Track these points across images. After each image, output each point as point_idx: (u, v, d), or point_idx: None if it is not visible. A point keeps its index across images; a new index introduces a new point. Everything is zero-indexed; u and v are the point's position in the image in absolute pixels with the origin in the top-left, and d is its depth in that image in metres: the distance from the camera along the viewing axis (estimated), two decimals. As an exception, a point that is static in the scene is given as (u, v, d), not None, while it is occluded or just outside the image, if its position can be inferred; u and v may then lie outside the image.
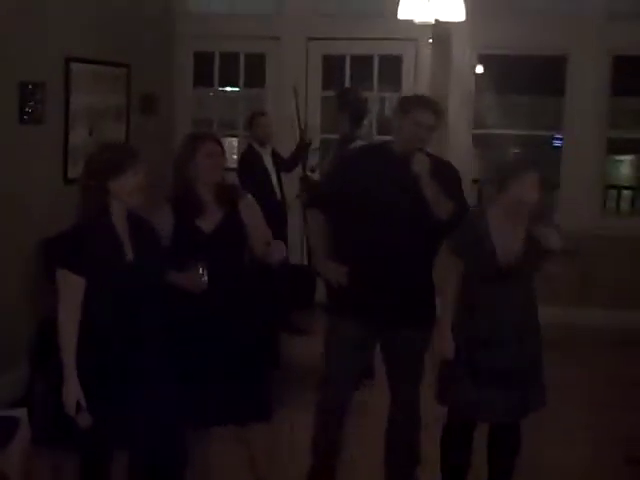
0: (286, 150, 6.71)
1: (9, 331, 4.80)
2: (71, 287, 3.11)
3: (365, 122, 6.31)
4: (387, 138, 7.18)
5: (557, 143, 7.94)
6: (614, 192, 10.80)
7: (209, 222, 3.60)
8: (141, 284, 3.20)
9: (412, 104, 3.79)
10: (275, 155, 6.65)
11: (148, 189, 3.22)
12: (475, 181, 7.37)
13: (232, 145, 9.01)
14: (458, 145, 7.03)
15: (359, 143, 5.12)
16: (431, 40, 7.05)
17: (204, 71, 7.70)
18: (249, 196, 3.75)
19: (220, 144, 3.69)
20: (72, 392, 3.04)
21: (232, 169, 6.94)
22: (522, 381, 3.51)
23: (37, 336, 4.40)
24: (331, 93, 6.46)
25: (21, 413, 3.41)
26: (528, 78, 9.48)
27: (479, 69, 7.61)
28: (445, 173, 3.77)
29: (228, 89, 8.36)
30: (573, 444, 4.67)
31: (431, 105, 3.79)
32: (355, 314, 3.77)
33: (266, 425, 3.79)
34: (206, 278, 3.46)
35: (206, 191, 3.62)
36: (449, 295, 3.56)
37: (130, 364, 3.17)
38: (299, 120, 6.56)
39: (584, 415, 5.09)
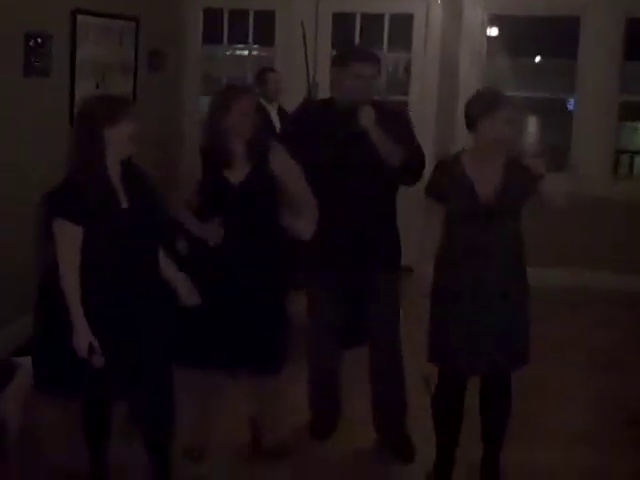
0: (292, 107, 6.64)
1: (16, 281, 4.81)
2: (69, 236, 3.11)
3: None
4: (399, 98, 7.29)
5: (571, 106, 7.85)
6: (627, 157, 10.72)
7: (237, 174, 3.60)
8: (136, 231, 3.20)
9: (350, 57, 3.79)
10: (281, 111, 6.59)
11: (141, 138, 3.22)
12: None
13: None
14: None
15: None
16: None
17: (213, 28, 7.63)
18: (280, 146, 3.70)
19: (254, 99, 3.66)
20: (83, 335, 3.07)
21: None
22: (507, 334, 3.47)
23: (40, 285, 4.40)
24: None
25: (24, 361, 3.42)
26: (541, 40, 9.39)
27: (491, 32, 7.53)
28: (395, 120, 3.83)
29: (237, 47, 8.30)
30: (573, 404, 4.68)
31: (369, 56, 3.81)
32: (326, 268, 3.86)
33: (274, 379, 3.83)
34: (221, 231, 3.51)
35: (237, 144, 3.60)
36: (431, 244, 3.51)
37: (129, 311, 3.18)
38: (308, 72, 6.40)
39: (584, 375, 5.09)
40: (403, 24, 7.28)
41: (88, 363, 3.11)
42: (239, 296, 3.61)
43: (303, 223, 3.61)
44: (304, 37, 6.37)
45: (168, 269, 3.41)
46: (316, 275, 3.99)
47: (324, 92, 6.88)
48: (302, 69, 6.50)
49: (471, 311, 3.44)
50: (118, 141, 3.15)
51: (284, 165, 3.66)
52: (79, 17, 5.45)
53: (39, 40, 5.01)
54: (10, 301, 4.82)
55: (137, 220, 3.20)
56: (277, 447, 3.95)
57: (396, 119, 3.90)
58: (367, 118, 3.66)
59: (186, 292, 3.43)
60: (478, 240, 3.41)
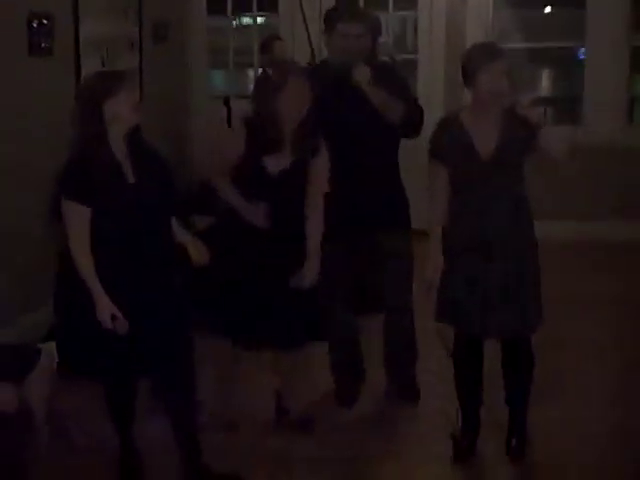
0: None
1: (37, 269, 4.82)
2: (77, 216, 3.12)
3: (382, 40, 6.20)
4: (407, 57, 7.21)
5: (582, 56, 7.73)
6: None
7: (277, 164, 3.57)
8: (145, 205, 3.19)
9: (336, 18, 3.80)
10: None
11: (142, 108, 3.23)
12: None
13: (249, 75, 8.90)
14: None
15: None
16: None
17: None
18: (325, 152, 3.65)
19: (308, 83, 3.55)
20: (105, 308, 3.09)
21: (247, 97, 6.87)
22: (518, 296, 3.42)
23: (58, 268, 4.42)
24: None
25: (48, 346, 3.44)
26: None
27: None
28: (389, 77, 3.86)
29: (243, 18, 8.22)
30: (602, 366, 4.61)
31: (355, 15, 3.83)
32: (337, 233, 3.82)
33: (298, 352, 3.84)
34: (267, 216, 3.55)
35: (285, 130, 3.54)
36: (436, 208, 3.47)
37: (142, 287, 3.19)
38: (309, 38, 6.32)
39: (613, 336, 5.01)
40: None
41: (109, 343, 3.13)
42: (267, 274, 3.62)
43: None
44: (302, 6, 6.31)
45: (179, 232, 3.39)
46: (329, 242, 3.91)
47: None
48: (305, 34, 6.46)
49: (477, 270, 3.40)
50: (118, 113, 3.13)
51: (322, 172, 3.65)
52: (81, -7, 5.40)
53: (42, 19, 4.97)
54: (34, 288, 4.83)
55: (145, 195, 3.18)
56: (303, 417, 3.95)
57: (390, 75, 3.93)
58: (362, 76, 3.68)
59: (196, 253, 3.39)
60: (481, 197, 3.38)
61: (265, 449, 3.79)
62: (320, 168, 3.63)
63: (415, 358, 4.19)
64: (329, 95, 3.73)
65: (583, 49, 7.34)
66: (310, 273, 3.60)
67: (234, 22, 7.73)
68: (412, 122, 3.85)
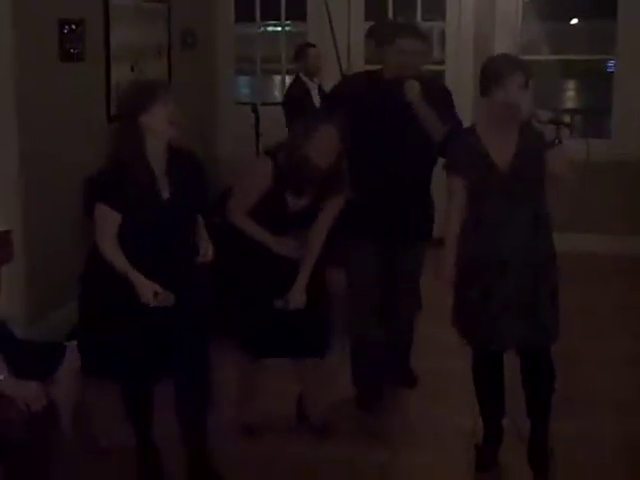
0: (328, 81, 6.59)
1: (61, 268, 4.87)
2: (108, 220, 3.16)
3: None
4: (435, 68, 7.21)
5: (611, 68, 7.71)
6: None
7: (298, 202, 3.63)
8: (176, 222, 3.22)
9: (395, 33, 3.86)
10: (322, 92, 6.50)
11: (180, 121, 3.20)
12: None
13: (275, 82, 8.95)
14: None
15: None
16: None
17: (245, 5, 7.60)
18: (341, 200, 3.69)
19: (337, 135, 3.55)
20: (145, 287, 3.13)
21: (277, 104, 6.89)
22: (534, 307, 3.37)
23: (84, 270, 4.46)
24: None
25: (72, 344, 3.47)
26: (577, 1, 9.23)
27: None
28: (437, 95, 3.93)
29: (270, 23, 8.26)
30: (623, 374, 4.59)
31: (414, 31, 3.88)
32: (368, 233, 3.97)
33: (319, 361, 3.86)
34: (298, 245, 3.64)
35: (313, 175, 3.57)
36: (452, 218, 3.43)
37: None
38: (336, 47, 6.29)
39: (628, 346, 4.97)
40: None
41: (132, 342, 3.19)
42: (287, 284, 3.66)
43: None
44: (329, 14, 6.33)
45: (200, 234, 3.41)
46: (357, 243, 4.03)
47: (358, 63, 6.90)
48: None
49: (495, 283, 3.36)
50: (153, 127, 3.15)
51: (336, 208, 3.69)
52: (111, 1, 5.46)
53: (73, 26, 5.03)
54: (61, 286, 4.87)
55: (177, 210, 3.21)
56: (320, 422, 3.96)
57: (439, 94, 3.99)
58: (413, 92, 3.76)
59: (203, 250, 3.37)
60: (499, 209, 3.34)
61: (285, 455, 3.80)
62: (335, 205, 3.69)
63: (410, 343, 4.34)
64: (377, 105, 3.84)
65: (612, 62, 7.29)
66: (296, 296, 3.65)
67: (261, 29, 7.75)
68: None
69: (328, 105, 4.29)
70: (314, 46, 6.60)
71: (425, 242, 4.14)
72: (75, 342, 3.56)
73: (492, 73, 3.31)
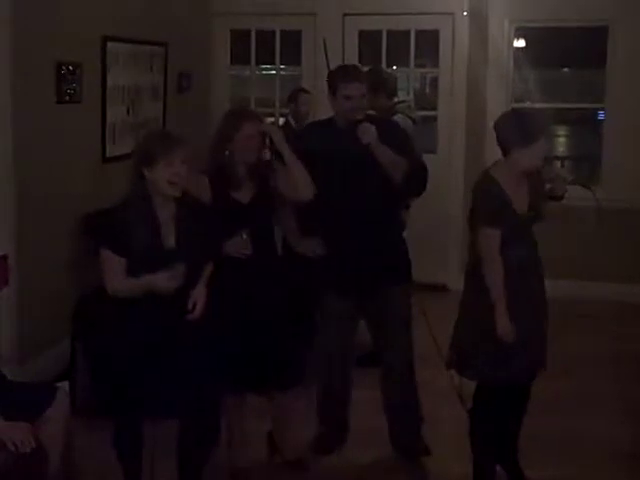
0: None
1: (52, 307, 4.88)
2: (114, 265, 3.21)
3: (406, 97, 6.30)
4: (427, 113, 7.28)
5: (602, 116, 7.80)
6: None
7: (244, 195, 3.65)
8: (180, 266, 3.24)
9: (337, 80, 3.83)
10: None
11: (187, 178, 3.26)
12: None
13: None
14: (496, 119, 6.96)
15: (400, 117, 5.07)
16: (467, 13, 6.98)
17: (241, 49, 7.70)
18: (282, 168, 3.71)
19: (260, 122, 3.68)
20: (161, 281, 3.18)
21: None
22: (540, 342, 3.58)
23: (78, 310, 4.47)
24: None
25: (63, 385, 3.47)
26: (569, 50, 9.36)
27: (518, 43, 7.51)
28: (392, 133, 3.86)
29: (265, 67, 8.35)
30: (614, 419, 4.59)
31: (354, 74, 3.85)
32: (336, 285, 3.91)
33: (290, 395, 3.84)
34: (249, 244, 3.58)
35: (242, 168, 3.64)
36: (497, 274, 3.43)
37: (169, 340, 3.26)
38: None
39: (621, 388, 5.00)
40: (429, 39, 7.30)
41: (127, 384, 3.23)
42: (255, 316, 3.64)
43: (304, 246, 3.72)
44: (326, 55, 6.38)
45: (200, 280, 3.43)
46: (327, 292, 3.99)
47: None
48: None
49: (524, 325, 3.45)
50: (157, 182, 3.21)
51: (283, 188, 3.69)
52: (109, 44, 5.52)
53: (70, 68, 5.09)
54: (53, 326, 4.88)
55: (181, 258, 3.24)
56: (298, 457, 3.94)
57: (394, 132, 3.94)
58: (367, 134, 3.70)
59: (191, 305, 3.37)
60: (522, 255, 3.48)
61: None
62: (280, 186, 3.69)
63: (420, 421, 4.09)
64: (334, 150, 3.79)
65: (602, 110, 7.38)
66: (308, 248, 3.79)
67: (256, 72, 7.84)
68: (416, 180, 3.96)
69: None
70: (307, 91, 6.70)
71: (404, 286, 3.98)
72: (66, 383, 3.57)
73: (515, 137, 3.41)
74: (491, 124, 3.53)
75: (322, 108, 6.71)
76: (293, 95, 6.66)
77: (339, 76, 3.85)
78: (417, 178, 3.96)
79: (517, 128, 3.43)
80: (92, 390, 3.35)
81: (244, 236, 3.58)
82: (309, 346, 4.01)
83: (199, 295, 3.37)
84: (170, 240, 3.26)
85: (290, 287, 3.78)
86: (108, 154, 5.55)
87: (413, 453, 4.03)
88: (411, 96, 7.07)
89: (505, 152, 3.48)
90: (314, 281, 4.02)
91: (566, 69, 10.72)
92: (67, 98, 5.09)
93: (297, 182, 3.65)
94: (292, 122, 6.59)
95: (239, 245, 3.59)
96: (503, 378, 3.52)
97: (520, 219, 3.48)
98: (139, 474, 3.54)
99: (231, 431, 3.89)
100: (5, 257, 3.48)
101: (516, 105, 7.33)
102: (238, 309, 3.62)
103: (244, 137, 3.57)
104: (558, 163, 11.60)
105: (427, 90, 10.68)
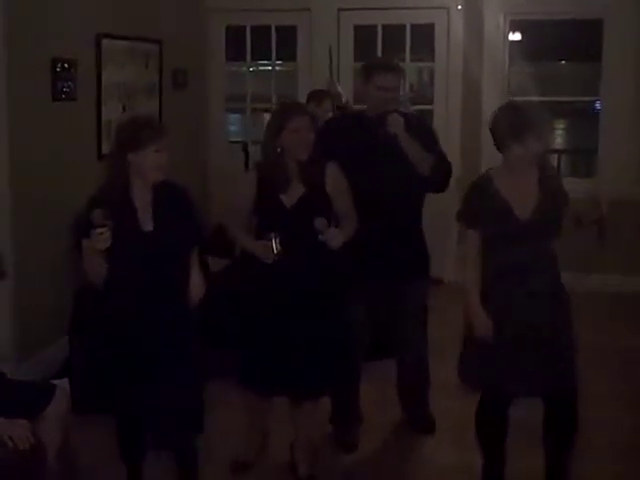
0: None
1: (50, 305, 4.88)
2: (87, 251, 3.19)
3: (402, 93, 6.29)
4: (424, 107, 7.29)
5: (598, 109, 7.81)
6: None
7: (291, 197, 3.58)
8: (162, 255, 3.22)
9: (372, 70, 3.87)
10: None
11: (168, 168, 3.23)
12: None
13: (265, 120, 8.99)
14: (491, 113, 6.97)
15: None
16: (462, 7, 6.98)
17: (236, 45, 7.69)
18: (335, 168, 3.66)
19: (309, 117, 3.60)
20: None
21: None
22: (550, 355, 3.33)
23: (74, 306, 4.48)
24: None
25: (62, 383, 3.48)
26: (564, 43, 9.36)
27: (514, 36, 7.52)
28: (420, 129, 3.92)
29: (260, 63, 8.34)
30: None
31: (391, 67, 3.90)
32: (356, 278, 3.86)
33: (314, 404, 3.83)
34: (280, 249, 3.48)
35: (292, 165, 3.58)
36: (470, 271, 3.36)
37: (153, 328, 3.24)
38: (337, 90, 6.35)
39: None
40: (424, 34, 7.30)
41: (123, 379, 3.21)
42: (284, 320, 3.59)
43: (328, 236, 3.52)
44: (331, 61, 6.45)
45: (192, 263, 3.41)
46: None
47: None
48: (324, 82, 6.57)
49: (519, 333, 3.31)
50: (140, 168, 3.19)
51: (337, 186, 3.64)
52: (104, 41, 5.52)
53: (66, 65, 5.08)
54: (51, 323, 4.88)
55: (162, 243, 3.22)
56: (309, 475, 3.88)
57: (423, 128, 3.99)
58: (396, 125, 3.76)
59: (194, 289, 3.38)
60: (519, 258, 3.30)
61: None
62: (337, 185, 3.63)
63: (428, 389, 4.32)
64: (362, 142, 3.85)
65: (598, 102, 7.39)
66: (335, 234, 3.52)
67: (252, 68, 7.83)
68: (440, 175, 3.92)
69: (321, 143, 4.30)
70: (330, 96, 6.65)
71: (422, 279, 4.09)
72: (65, 380, 3.57)
73: (508, 131, 3.25)
74: (487, 118, 3.48)
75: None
76: (315, 97, 6.59)
77: (375, 66, 3.91)
78: (442, 175, 3.93)
79: (507, 121, 3.27)
80: (90, 388, 3.33)
81: (273, 241, 3.47)
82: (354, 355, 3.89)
83: (197, 283, 3.37)
84: (148, 225, 3.23)
85: (332, 297, 3.68)
86: (104, 151, 5.54)
87: (424, 425, 4.28)
88: (407, 90, 7.07)
89: (499, 148, 3.33)
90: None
91: (562, 62, 10.71)
92: (62, 96, 5.09)
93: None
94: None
95: (261, 249, 3.52)
96: (484, 386, 3.45)
97: (517, 223, 3.30)
98: (141, 472, 3.55)
99: (249, 428, 3.93)
100: None
101: (511, 99, 7.34)
102: (267, 311, 3.59)
103: (291, 132, 3.52)
104: (555, 156, 11.61)
105: (423, 85, 10.68)
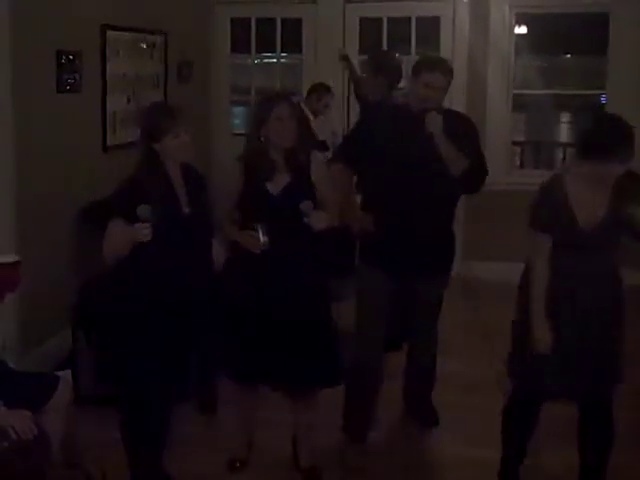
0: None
1: (54, 296, 4.89)
2: (118, 234, 3.29)
3: (402, 85, 6.28)
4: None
5: (604, 102, 7.80)
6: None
7: (277, 185, 3.60)
8: (195, 237, 3.38)
9: (422, 67, 3.91)
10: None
11: (193, 146, 3.40)
12: (515, 143, 7.30)
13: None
14: (497, 106, 6.98)
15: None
16: (468, 0, 6.97)
17: (241, 37, 7.69)
18: (319, 157, 3.72)
19: (293, 106, 3.65)
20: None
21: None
22: (601, 361, 3.32)
23: (79, 299, 4.49)
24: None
25: (65, 374, 3.49)
26: (570, 36, 9.33)
27: (520, 29, 7.50)
28: (461, 129, 3.93)
29: (265, 55, 8.34)
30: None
31: (440, 67, 3.92)
32: (384, 264, 3.99)
33: (315, 395, 3.81)
34: (266, 239, 3.50)
35: (277, 154, 3.60)
36: (539, 279, 3.28)
37: (181, 312, 3.35)
38: (358, 90, 6.32)
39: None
40: (430, 26, 7.29)
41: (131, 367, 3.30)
42: (284, 310, 3.58)
43: (312, 219, 3.52)
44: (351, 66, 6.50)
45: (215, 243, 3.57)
46: (372, 274, 4.04)
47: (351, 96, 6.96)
48: (329, 75, 6.58)
49: (568, 339, 3.28)
50: (168, 153, 3.34)
51: (322, 175, 3.67)
52: (109, 33, 5.52)
53: (70, 57, 5.08)
54: (55, 314, 4.89)
55: (197, 225, 3.39)
56: (311, 466, 3.87)
57: (463, 128, 4.00)
58: (434, 124, 3.79)
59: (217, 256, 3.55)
60: (577, 269, 3.27)
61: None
62: (321, 175, 3.65)
63: (432, 381, 4.37)
64: (400, 136, 3.89)
65: (605, 96, 7.37)
66: (318, 217, 3.54)
67: (256, 60, 7.83)
68: (473, 178, 3.96)
69: (354, 134, 4.29)
70: (330, 90, 6.67)
71: (445, 276, 4.15)
72: (68, 372, 3.59)
73: (601, 143, 3.14)
74: (491, 110, 3.51)
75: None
76: (316, 90, 6.64)
77: (424, 64, 3.94)
78: (473, 178, 3.97)
79: (602, 132, 3.17)
80: (96, 381, 3.38)
81: (259, 231, 3.51)
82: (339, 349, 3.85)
83: (218, 251, 3.55)
84: (186, 207, 3.39)
85: (319, 285, 3.70)
86: (109, 143, 5.56)
87: (427, 417, 4.34)
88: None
89: (582, 155, 3.21)
90: (365, 256, 4.12)
91: (568, 55, 10.68)
92: (67, 87, 5.09)
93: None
94: (308, 114, 6.58)
95: (248, 240, 3.54)
96: (523, 388, 3.44)
97: (580, 234, 3.23)
98: (161, 457, 3.61)
99: (240, 419, 3.92)
100: (17, 263, 3.48)
101: (518, 92, 7.34)
102: (253, 299, 3.59)
103: (275, 120, 3.53)
104: (561, 149, 11.59)
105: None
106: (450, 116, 3.91)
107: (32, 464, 2.98)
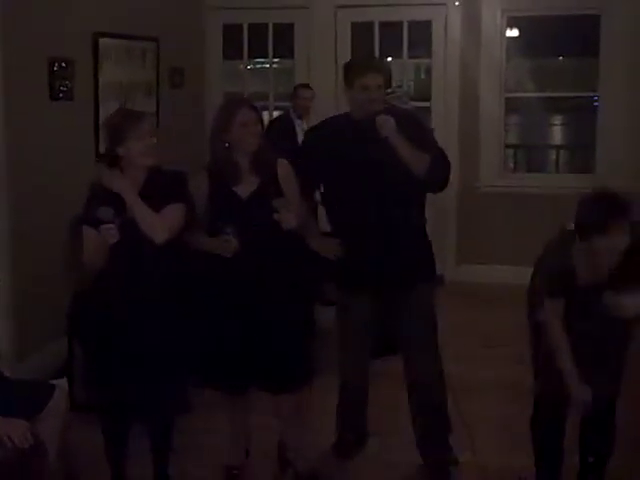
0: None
1: (49, 304, 4.88)
2: (92, 240, 3.33)
3: (396, 88, 6.29)
4: (423, 104, 7.28)
5: (597, 104, 7.82)
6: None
7: (246, 189, 3.55)
8: (142, 240, 3.29)
9: (352, 70, 3.68)
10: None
11: (156, 148, 3.37)
12: (508, 146, 7.31)
13: (263, 118, 9.00)
14: (489, 109, 7.00)
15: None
16: (459, 3, 6.99)
17: (233, 43, 7.70)
18: (285, 162, 3.63)
19: (255, 110, 3.59)
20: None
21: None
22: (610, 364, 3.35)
23: (73, 307, 4.48)
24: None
25: (60, 382, 3.49)
26: (562, 39, 9.36)
27: (511, 32, 7.52)
28: (412, 125, 3.69)
29: (258, 61, 8.35)
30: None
31: (372, 65, 3.72)
32: (358, 283, 3.79)
33: (293, 398, 3.77)
34: (235, 241, 3.43)
35: (242, 159, 3.55)
36: (561, 341, 3.25)
37: (133, 328, 3.33)
38: None
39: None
40: (422, 30, 7.30)
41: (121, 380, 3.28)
42: (254, 312, 3.55)
43: (282, 217, 3.46)
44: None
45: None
46: (348, 289, 3.89)
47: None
48: (322, 79, 6.58)
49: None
50: (132, 156, 3.33)
51: (289, 182, 3.60)
52: (101, 40, 5.52)
53: (63, 64, 5.08)
54: (50, 322, 4.89)
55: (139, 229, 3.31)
56: (310, 472, 3.84)
57: (414, 124, 3.78)
58: (386, 126, 3.52)
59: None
60: (583, 329, 3.27)
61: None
62: (288, 181, 3.59)
63: (447, 433, 3.93)
64: (352, 145, 3.66)
65: (597, 98, 7.39)
66: (288, 216, 3.46)
67: (249, 66, 7.84)
68: (438, 175, 3.71)
69: (305, 146, 4.08)
70: (307, 87, 6.72)
71: (427, 284, 3.85)
72: (64, 380, 3.58)
73: (594, 221, 3.09)
74: (484, 114, 3.43)
75: (319, 102, 6.78)
76: (294, 91, 6.73)
77: (354, 67, 3.71)
78: (439, 173, 3.71)
79: (595, 209, 3.12)
80: (85, 387, 3.40)
81: (227, 234, 3.44)
82: (311, 346, 3.86)
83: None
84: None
85: (292, 286, 3.65)
86: (102, 150, 5.54)
87: (442, 464, 3.87)
88: (404, 87, 7.08)
89: (582, 237, 3.16)
90: (333, 279, 3.95)
91: (560, 58, 10.70)
92: (60, 95, 5.09)
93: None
94: (292, 115, 6.61)
95: (219, 245, 3.46)
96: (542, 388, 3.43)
97: (582, 292, 3.22)
98: (123, 473, 3.62)
99: (232, 427, 3.89)
100: None
101: (510, 95, 7.36)
102: (231, 306, 3.56)
103: (239, 125, 3.49)
104: (553, 152, 11.62)
105: (422, 81, 10.69)
106: (395, 114, 3.59)
107: (28, 473, 2.98)
